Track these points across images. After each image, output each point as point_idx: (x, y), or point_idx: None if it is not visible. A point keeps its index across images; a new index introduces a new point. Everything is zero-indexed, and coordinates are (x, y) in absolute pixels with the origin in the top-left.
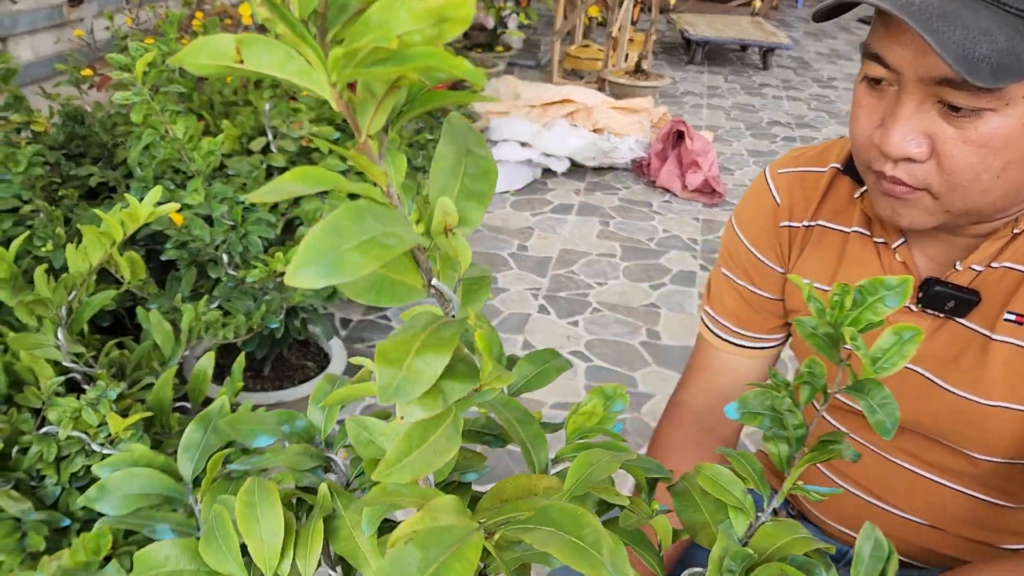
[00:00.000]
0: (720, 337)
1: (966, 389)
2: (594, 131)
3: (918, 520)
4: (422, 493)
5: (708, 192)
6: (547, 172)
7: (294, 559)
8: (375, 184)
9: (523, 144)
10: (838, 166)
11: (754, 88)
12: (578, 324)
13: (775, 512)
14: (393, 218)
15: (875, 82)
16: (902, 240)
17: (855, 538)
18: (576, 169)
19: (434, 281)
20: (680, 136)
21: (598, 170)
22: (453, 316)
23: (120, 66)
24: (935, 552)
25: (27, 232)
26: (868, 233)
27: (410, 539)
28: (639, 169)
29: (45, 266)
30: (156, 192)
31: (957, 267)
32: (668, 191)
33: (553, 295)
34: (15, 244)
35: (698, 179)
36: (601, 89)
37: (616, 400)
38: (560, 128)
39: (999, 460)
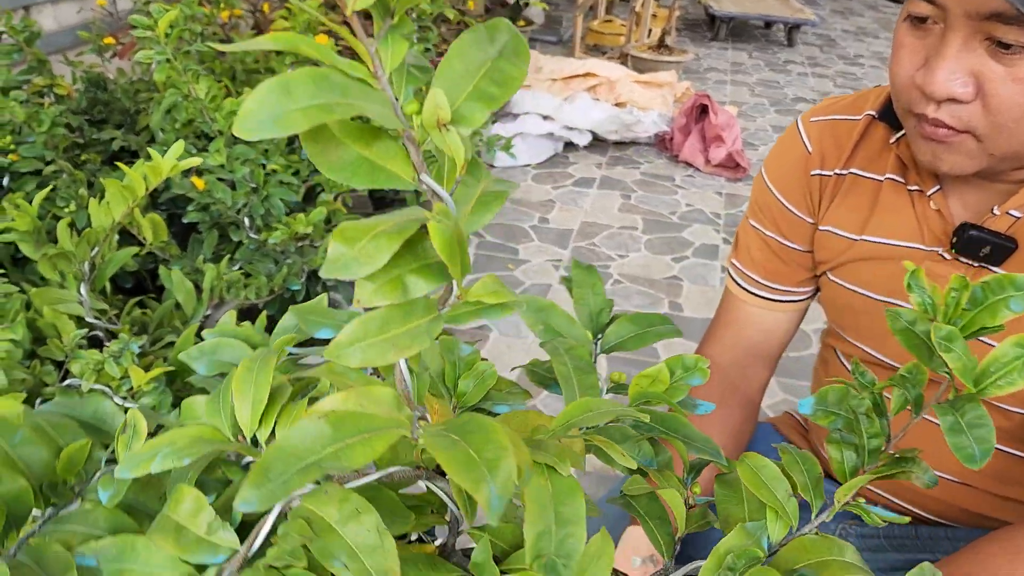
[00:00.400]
0: (747, 290)
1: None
2: (617, 105)
3: (950, 478)
4: (366, 380)
5: (732, 167)
6: (569, 146)
7: (275, 428)
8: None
9: (545, 117)
10: (873, 113)
11: (779, 65)
12: None
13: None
14: (366, 95)
15: (919, 21)
16: (937, 187)
17: (883, 496)
18: (598, 143)
19: (422, 176)
20: (704, 110)
21: (620, 144)
22: None
23: (143, 26)
24: (968, 511)
25: (51, 186)
26: (902, 180)
27: (325, 415)
28: (661, 143)
29: (69, 219)
30: (179, 147)
31: (995, 211)
32: (691, 165)
33: None
34: (38, 198)
35: (721, 153)
36: (624, 64)
37: (695, 373)
38: (582, 101)
39: None
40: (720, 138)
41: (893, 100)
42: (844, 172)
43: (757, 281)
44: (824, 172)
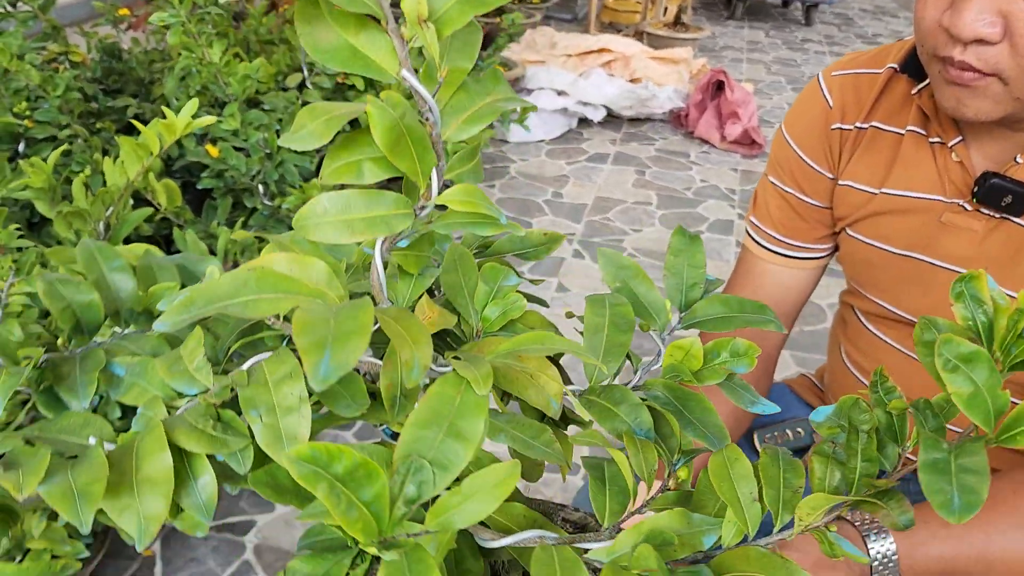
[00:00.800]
0: (765, 247)
1: (1019, 291)
2: (632, 81)
3: (957, 430)
4: (320, 256)
5: (747, 143)
6: (583, 122)
7: None
8: None
9: (559, 93)
10: (895, 66)
11: (796, 43)
12: None
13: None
14: None
15: None
16: (959, 138)
17: None
18: (612, 119)
19: (404, 71)
20: (720, 87)
21: (634, 121)
22: (428, 121)
23: None
24: None
25: (64, 146)
26: (924, 132)
27: (254, 269)
28: (676, 120)
29: (84, 176)
30: (193, 105)
31: (1017, 160)
32: (706, 142)
33: (588, 240)
34: (53, 155)
35: (737, 130)
36: (639, 41)
37: (743, 360)
38: (597, 77)
39: None
40: (736, 115)
41: (918, 46)
42: (865, 126)
43: (775, 238)
44: (844, 126)
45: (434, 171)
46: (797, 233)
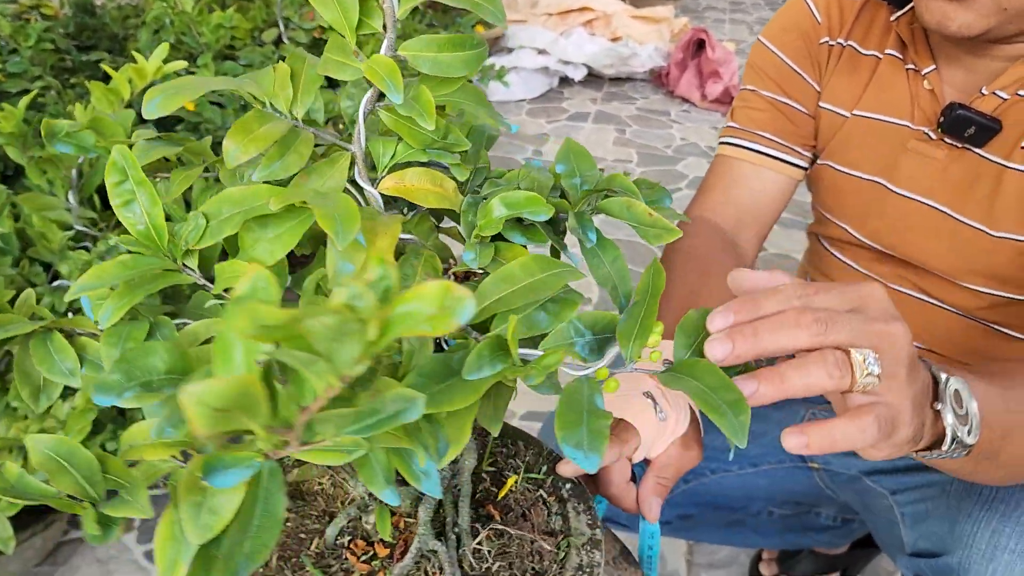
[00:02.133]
0: (747, 148)
1: (976, 219)
2: (613, 40)
3: (918, 345)
4: (316, 80)
5: (728, 102)
6: (564, 81)
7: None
8: None
9: (540, 52)
10: None
11: (779, 4)
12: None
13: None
14: None
15: None
16: (932, 67)
17: None
18: (593, 79)
19: None
20: (701, 46)
21: (615, 80)
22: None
23: None
24: None
25: (36, 92)
26: (901, 57)
27: (257, 75)
28: (657, 79)
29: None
30: (163, 48)
31: (983, 91)
32: (687, 101)
33: None
34: (23, 102)
35: (718, 89)
36: (621, 0)
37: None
38: (578, 36)
39: (1004, 294)
40: (717, 74)
41: None
42: (845, 43)
43: (760, 135)
44: (830, 41)
45: (385, 41)
46: (785, 133)
